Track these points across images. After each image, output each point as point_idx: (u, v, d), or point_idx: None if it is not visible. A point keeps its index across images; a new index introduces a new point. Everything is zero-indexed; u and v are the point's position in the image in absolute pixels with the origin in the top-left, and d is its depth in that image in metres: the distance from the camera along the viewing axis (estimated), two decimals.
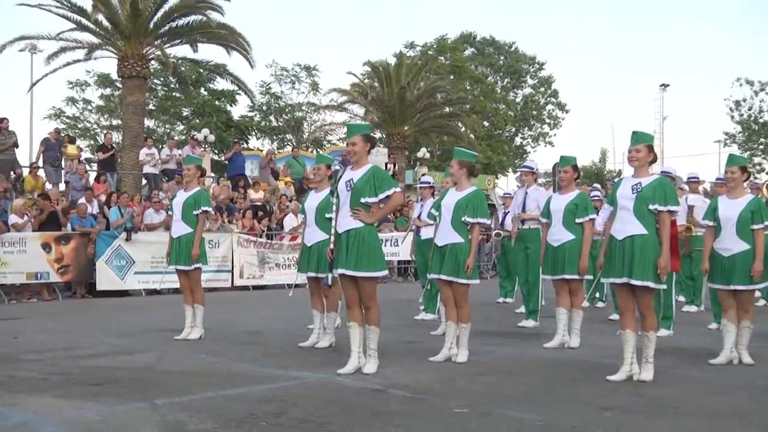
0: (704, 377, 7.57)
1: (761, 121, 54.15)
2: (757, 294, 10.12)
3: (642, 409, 6.10)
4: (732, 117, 55.15)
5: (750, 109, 54.46)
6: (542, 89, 57.39)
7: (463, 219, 8.06)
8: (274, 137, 45.91)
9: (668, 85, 60.34)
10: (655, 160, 7.48)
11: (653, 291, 7.22)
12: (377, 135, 36.93)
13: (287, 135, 45.76)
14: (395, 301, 13.75)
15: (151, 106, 38.95)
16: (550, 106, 57.69)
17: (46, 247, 15.71)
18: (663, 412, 6.04)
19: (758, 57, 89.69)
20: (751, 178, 12.05)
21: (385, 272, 7.72)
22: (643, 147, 7.35)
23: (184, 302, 10.07)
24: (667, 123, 58.90)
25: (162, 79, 39.44)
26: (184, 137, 35.98)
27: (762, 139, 54.18)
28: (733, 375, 7.66)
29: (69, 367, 7.86)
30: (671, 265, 7.27)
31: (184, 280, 10.04)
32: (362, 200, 7.26)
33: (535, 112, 57.10)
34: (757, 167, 50.54)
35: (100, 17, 24.63)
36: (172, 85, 38.75)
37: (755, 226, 8.09)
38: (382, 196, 7.28)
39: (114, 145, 23.89)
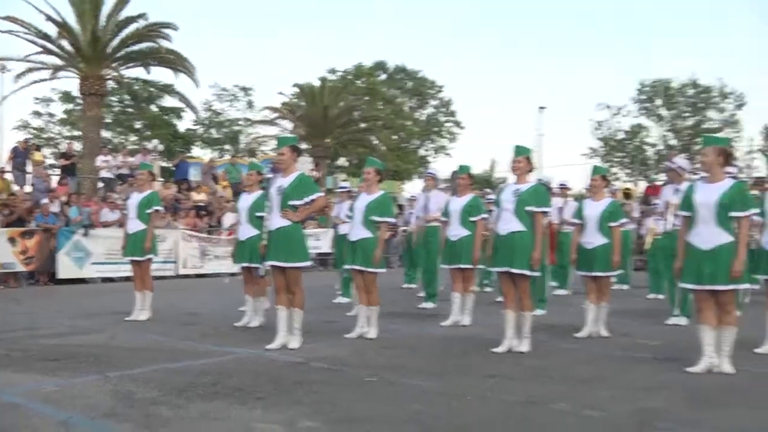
0: (571, 348, 7.71)
1: (618, 138, 55.56)
2: (613, 279, 10.34)
3: (521, 376, 6.18)
4: (596, 134, 56.45)
5: (609, 128, 55.81)
6: (443, 109, 57.83)
7: (372, 218, 8.06)
8: (215, 147, 45.37)
9: (545, 107, 61.22)
10: (533, 169, 7.59)
11: (529, 278, 7.33)
12: (303, 146, 36.66)
13: (226, 145, 45.27)
14: (316, 287, 13.63)
15: (107, 120, 37.91)
16: (448, 124, 58.04)
17: (12, 240, 15.21)
18: (538, 378, 6.13)
19: (616, 85, 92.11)
20: (610, 184, 12.32)
21: (309, 263, 7.68)
22: (523, 158, 7.45)
23: (135, 288, 9.88)
24: (543, 139, 59.74)
25: (118, 96, 38.61)
26: (136, 147, 35.13)
27: (618, 153, 55.55)
28: (594, 346, 7.83)
29: (30, 345, 7.58)
30: (549, 257, 7.39)
31: (137, 269, 9.87)
32: (291, 203, 7.25)
33: (436, 129, 57.42)
34: (615, 176, 51.81)
35: (64, 42, 24.11)
36: (127, 102, 38.03)
37: (612, 224, 8.31)
38: (307, 199, 7.29)
39: (74, 153, 23.35)
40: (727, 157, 6.41)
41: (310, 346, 7.43)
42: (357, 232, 8.14)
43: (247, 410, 4.91)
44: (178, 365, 6.53)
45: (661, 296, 12.77)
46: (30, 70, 24.51)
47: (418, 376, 6.09)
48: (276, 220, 7.30)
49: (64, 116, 42.18)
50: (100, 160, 22.39)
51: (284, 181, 7.35)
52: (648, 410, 5.04)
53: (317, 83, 41.23)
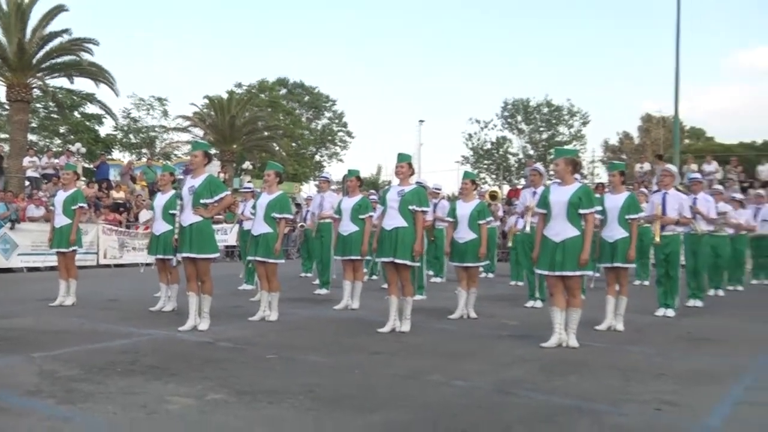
0: (446, 328, 7.85)
1: (485, 148, 56.99)
2: (481, 269, 10.61)
3: (402, 353, 6.26)
4: (467, 144, 57.58)
5: (479, 139, 57.18)
6: (336, 121, 57.88)
7: (272, 215, 8.01)
8: (133, 151, 44.28)
9: (424, 121, 62.18)
10: (413, 173, 7.69)
11: (410, 267, 7.43)
12: (213, 151, 36.02)
13: (143, 149, 44.17)
14: (224, 276, 13.40)
15: (33, 124, 36.29)
16: (341, 133, 58.18)
17: None
18: (417, 354, 6.22)
19: (483, 103, 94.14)
20: (479, 188, 12.63)
21: (218, 254, 7.56)
22: (405, 164, 7.54)
23: (60, 277, 9.53)
24: (423, 148, 60.63)
25: (43, 103, 37.02)
26: (60, 149, 33.63)
27: (486, 161, 57.01)
28: (464, 327, 8.00)
29: None
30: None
31: (62, 259, 9.54)
32: (202, 201, 7.15)
33: (330, 137, 57.45)
34: (483, 180, 53.11)
35: None
36: (52, 108, 36.51)
37: (480, 221, 8.50)
38: (216, 198, 7.21)
39: (2, 154, 22.24)
40: (575, 166, 6.71)
41: (217, 328, 7.31)
42: (259, 227, 8.07)
43: (161, 385, 4.79)
44: (98, 346, 6.30)
45: (520, 283, 13.19)
46: None
47: (312, 354, 6.08)
48: (188, 217, 7.18)
49: None
50: (26, 160, 21.67)
51: (195, 182, 7.25)
52: (509, 380, 5.21)
53: (225, 95, 40.79)
